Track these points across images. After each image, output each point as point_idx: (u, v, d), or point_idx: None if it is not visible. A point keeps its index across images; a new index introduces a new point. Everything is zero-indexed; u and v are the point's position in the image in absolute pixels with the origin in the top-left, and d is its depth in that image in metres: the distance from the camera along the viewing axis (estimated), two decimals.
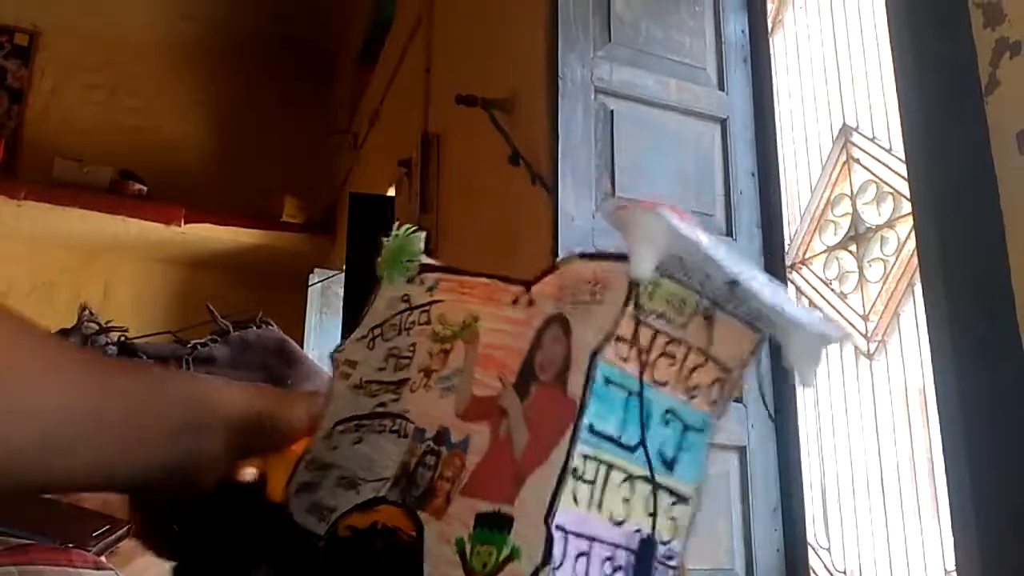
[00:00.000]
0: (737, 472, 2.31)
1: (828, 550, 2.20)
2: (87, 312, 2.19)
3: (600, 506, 0.60)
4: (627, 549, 0.61)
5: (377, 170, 4.51)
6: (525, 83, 2.66)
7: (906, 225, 2.09)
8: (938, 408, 1.70)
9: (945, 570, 1.80)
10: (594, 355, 0.60)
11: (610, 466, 0.61)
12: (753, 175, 2.58)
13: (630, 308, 0.61)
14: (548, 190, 2.38)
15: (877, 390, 2.10)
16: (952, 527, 1.64)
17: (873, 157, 2.24)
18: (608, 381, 0.61)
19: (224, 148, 5.86)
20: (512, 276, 0.72)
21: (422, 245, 0.81)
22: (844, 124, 2.35)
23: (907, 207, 2.06)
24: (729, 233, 2.50)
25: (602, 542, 0.60)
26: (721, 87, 2.62)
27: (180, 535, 0.79)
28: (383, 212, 3.97)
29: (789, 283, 2.45)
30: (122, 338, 2.08)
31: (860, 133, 2.30)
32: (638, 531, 0.61)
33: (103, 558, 1.16)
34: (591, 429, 0.60)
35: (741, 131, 2.61)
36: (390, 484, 0.71)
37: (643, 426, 0.62)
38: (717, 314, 0.64)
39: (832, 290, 2.31)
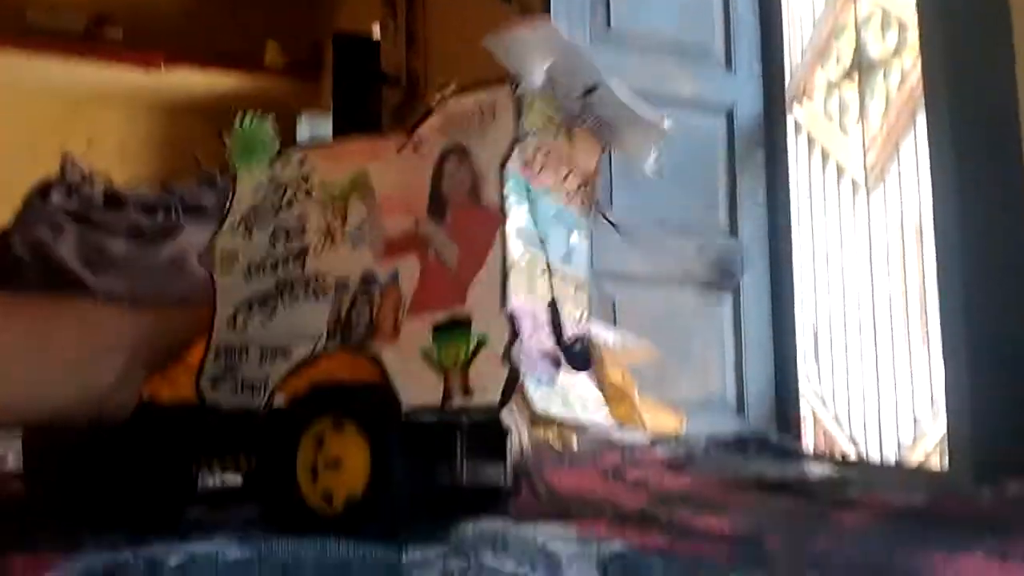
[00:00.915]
0: (730, 306, 2.34)
1: (818, 378, 2.26)
2: (71, 163, 2.15)
3: (531, 290, 0.74)
4: (537, 320, 0.75)
5: (362, 7, 4.33)
6: None
7: (910, 55, 2.02)
8: (935, 245, 1.70)
9: (932, 397, 1.85)
10: (502, 165, 0.72)
11: (531, 259, 0.74)
12: (753, 2, 2.48)
13: (521, 120, 0.73)
14: None
15: (873, 224, 2.10)
16: (943, 356, 1.68)
17: None
18: (513, 188, 0.73)
19: None
20: (382, 132, 0.80)
21: (272, 130, 0.87)
22: None
23: (912, 37, 1.99)
24: (728, 65, 2.42)
25: (540, 319, 0.74)
26: None
27: (110, 466, 0.83)
28: (370, 53, 3.83)
29: (789, 116, 2.40)
30: (107, 188, 2.04)
31: None
32: (547, 301, 0.77)
33: None
34: (516, 229, 0.73)
35: None
36: (325, 338, 0.77)
37: (537, 223, 0.75)
38: (575, 127, 0.78)
39: (832, 123, 2.27)
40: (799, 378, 2.31)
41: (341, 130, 4.10)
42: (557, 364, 0.76)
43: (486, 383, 0.70)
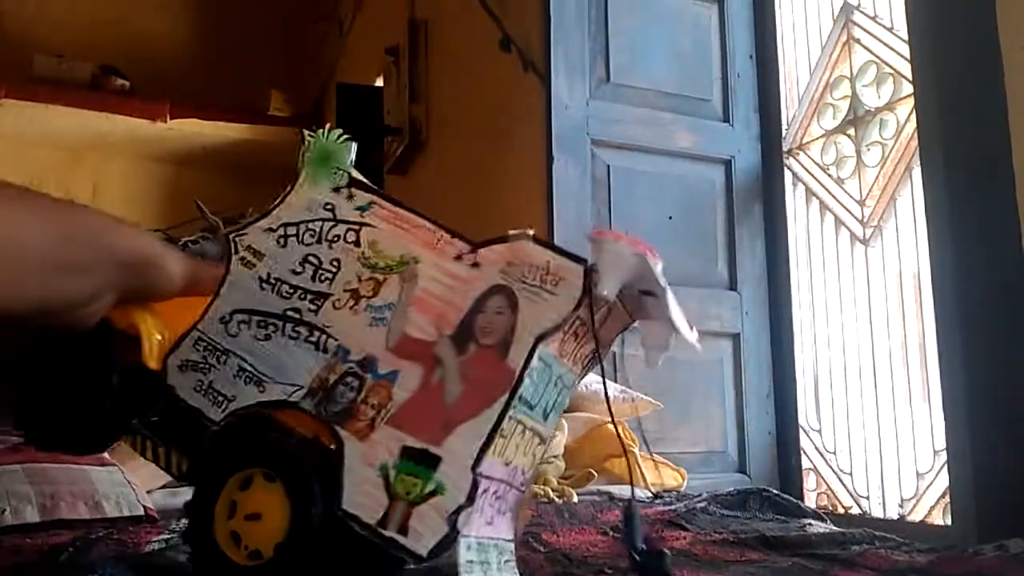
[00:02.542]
0: (730, 359, 2.34)
1: (819, 432, 2.25)
2: None
3: (501, 453, 0.71)
4: (507, 483, 0.73)
5: (364, 59, 4.40)
6: None
7: (906, 107, 2.04)
8: (933, 291, 1.70)
9: (934, 451, 1.84)
10: (539, 339, 0.71)
11: (518, 422, 0.71)
12: (751, 57, 2.51)
13: (579, 311, 0.71)
14: (540, 77, 2.32)
15: (872, 276, 2.10)
16: (944, 410, 1.67)
17: (874, 37, 2.18)
18: (540, 360, 0.71)
19: (207, 40, 5.69)
20: (456, 231, 0.77)
21: (353, 157, 0.83)
22: (845, 2, 2.27)
23: (907, 89, 2.02)
24: (726, 118, 2.45)
25: (495, 479, 0.71)
26: None
27: (36, 383, 0.79)
28: (372, 103, 3.88)
29: (786, 169, 2.42)
30: None
31: (862, 12, 2.22)
32: (518, 468, 0.74)
33: (106, 454, 1.17)
34: (519, 396, 0.70)
35: (739, 11, 2.53)
36: (304, 393, 0.74)
37: (539, 388, 0.73)
38: (616, 305, 0.76)
39: (829, 175, 2.29)
40: (800, 432, 2.30)
41: None
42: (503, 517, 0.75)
43: (422, 532, 0.69)
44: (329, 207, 0.81)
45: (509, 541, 0.75)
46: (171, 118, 5.09)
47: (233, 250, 0.81)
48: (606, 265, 0.73)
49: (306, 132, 0.83)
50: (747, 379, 2.33)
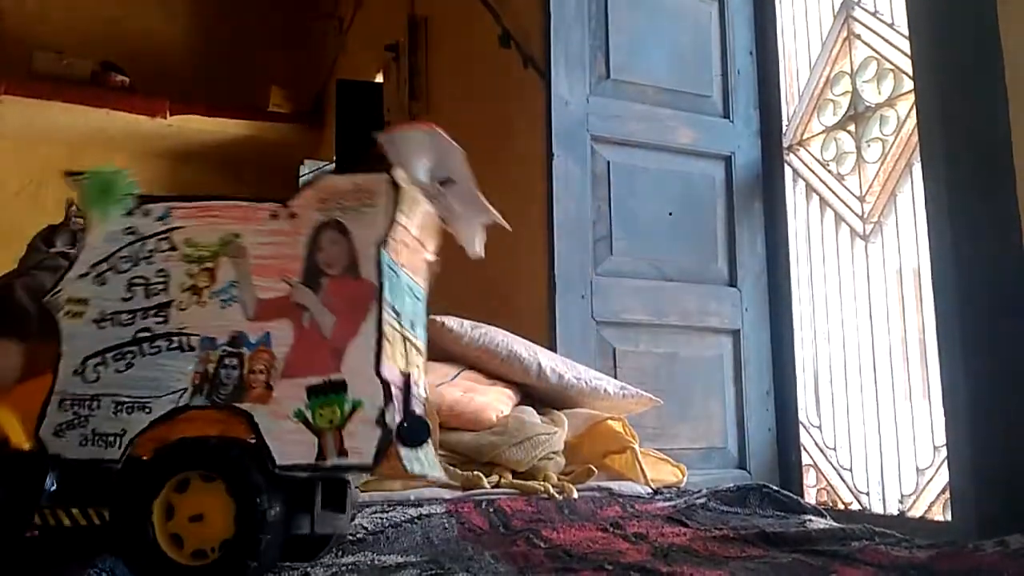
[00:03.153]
0: (731, 355, 2.34)
1: (819, 428, 2.25)
2: (74, 208, 2.16)
3: (392, 358, 0.80)
4: (400, 388, 0.80)
5: (364, 56, 4.39)
6: None
7: (906, 103, 2.04)
8: (933, 287, 1.70)
9: (934, 446, 1.84)
10: (379, 246, 0.80)
11: (394, 329, 0.81)
12: (751, 53, 2.51)
13: (397, 208, 0.81)
14: (540, 73, 2.31)
15: (872, 272, 2.10)
16: (943, 406, 1.67)
17: (875, 32, 2.17)
18: (386, 266, 0.80)
19: (207, 36, 5.68)
20: (258, 197, 0.85)
21: (129, 180, 0.88)
22: None
23: (908, 85, 2.01)
24: (726, 114, 2.45)
25: (396, 385, 0.79)
26: None
27: None
28: (373, 100, 3.88)
29: (787, 165, 2.42)
30: None
31: (862, 7, 2.22)
32: (411, 376, 0.82)
33: None
34: (385, 302, 0.79)
35: (740, 6, 2.52)
36: (191, 393, 0.80)
37: (397, 297, 0.82)
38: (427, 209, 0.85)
39: (829, 171, 2.28)
40: (800, 428, 2.30)
41: (344, 174, 4.13)
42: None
43: (360, 444, 0.76)
44: (130, 230, 0.86)
45: (427, 442, 0.83)
46: (171, 114, 5.09)
47: (55, 312, 0.85)
48: (405, 154, 0.82)
49: (73, 178, 0.89)
50: (747, 375, 2.33)
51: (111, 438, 0.79)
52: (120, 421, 0.80)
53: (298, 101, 5.51)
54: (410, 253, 0.86)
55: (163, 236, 0.85)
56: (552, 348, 1.95)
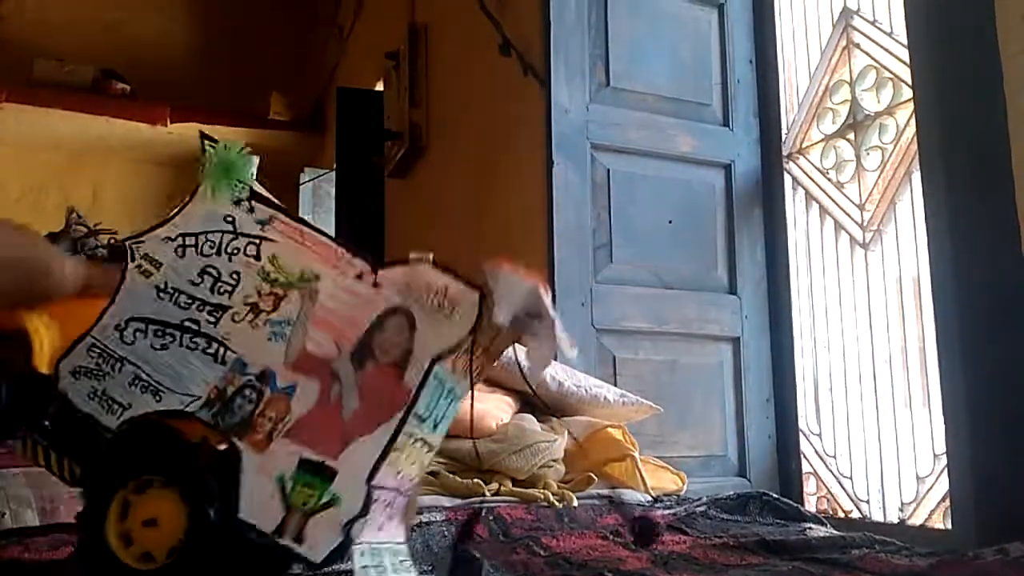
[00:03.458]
0: (730, 363, 2.34)
1: (819, 436, 2.25)
2: (75, 215, 2.17)
3: (394, 464, 0.76)
4: (397, 491, 0.78)
5: (365, 63, 4.40)
6: None
7: (905, 112, 2.05)
8: (933, 295, 1.70)
9: (934, 454, 1.84)
10: (436, 360, 0.77)
11: (410, 436, 0.77)
12: (751, 62, 2.52)
13: (471, 334, 0.78)
14: (540, 81, 2.32)
15: (872, 280, 2.10)
16: (944, 414, 1.67)
17: (874, 41, 2.18)
18: (435, 378, 0.78)
19: (207, 44, 5.69)
20: (354, 248, 0.82)
21: (254, 171, 0.86)
22: (845, 7, 2.28)
23: (907, 93, 2.02)
24: (725, 123, 2.46)
25: (387, 489, 0.76)
26: None
27: None
28: (373, 107, 3.88)
29: (786, 173, 2.42)
30: (111, 240, 2.07)
31: (861, 16, 2.22)
32: (407, 477, 0.80)
33: None
34: (415, 414, 0.76)
35: (739, 15, 2.53)
36: (201, 403, 0.78)
37: (432, 403, 0.79)
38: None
39: (829, 179, 2.29)
40: (800, 436, 2.30)
41: (345, 182, 4.14)
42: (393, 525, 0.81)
43: (318, 540, 0.74)
44: (229, 219, 0.84)
45: (401, 543, 0.81)
46: (171, 122, 5.09)
47: (130, 257, 0.83)
48: (501, 293, 0.79)
49: (206, 143, 0.85)
50: (747, 383, 2.33)
51: (115, 406, 0.78)
52: (131, 394, 0.79)
53: (298, 109, 5.52)
54: (469, 358, 0.83)
55: (254, 241, 0.83)
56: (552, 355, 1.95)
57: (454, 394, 0.84)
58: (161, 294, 0.81)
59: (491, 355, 0.86)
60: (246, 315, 0.80)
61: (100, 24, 5.44)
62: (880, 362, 2.04)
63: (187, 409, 0.78)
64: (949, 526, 1.76)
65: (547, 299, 0.82)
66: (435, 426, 0.83)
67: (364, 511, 0.74)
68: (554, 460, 1.46)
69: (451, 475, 1.37)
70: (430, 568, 0.96)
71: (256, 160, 0.86)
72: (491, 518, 1.21)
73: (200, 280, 0.82)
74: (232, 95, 5.36)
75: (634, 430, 1.61)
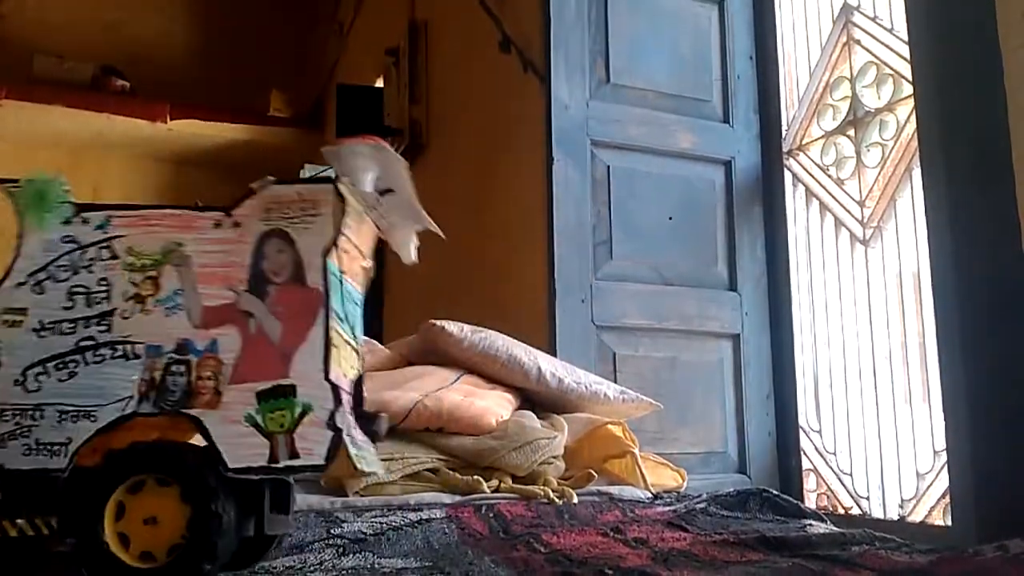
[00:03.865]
0: (731, 359, 2.34)
1: (819, 432, 2.25)
2: None
3: (339, 364, 0.82)
4: (348, 392, 0.84)
5: (364, 60, 4.40)
6: None
7: (906, 108, 2.04)
8: (933, 292, 1.70)
9: (934, 451, 1.84)
10: (325, 255, 0.83)
11: (340, 335, 0.83)
12: (751, 58, 2.52)
13: (343, 218, 0.84)
14: (540, 78, 2.32)
15: (872, 276, 2.10)
16: (944, 410, 1.67)
17: (874, 38, 2.18)
18: (331, 273, 0.83)
19: (207, 41, 5.69)
20: (200, 205, 0.87)
21: (65, 188, 0.88)
22: (845, 3, 2.27)
23: (907, 89, 2.02)
24: (726, 119, 2.45)
25: (343, 390, 0.82)
26: None
27: None
28: (373, 104, 3.88)
29: (786, 170, 2.42)
30: None
31: (861, 13, 2.22)
32: (351, 381, 0.86)
33: None
34: (332, 309, 0.82)
35: (739, 11, 2.53)
36: (137, 400, 0.81)
37: (343, 303, 0.85)
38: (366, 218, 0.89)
39: (829, 176, 2.29)
40: (800, 433, 2.30)
41: None
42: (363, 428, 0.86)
43: (311, 446, 0.79)
44: (69, 238, 0.86)
45: (368, 442, 0.86)
46: (171, 119, 5.09)
47: None
48: (350, 165, 0.85)
49: (5, 186, 0.88)
50: (747, 380, 2.33)
51: (56, 447, 0.80)
52: (65, 430, 0.80)
53: (298, 105, 5.52)
54: (350, 260, 0.89)
55: (104, 244, 0.86)
56: (552, 352, 1.95)
57: (352, 297, 0.89)
58: (41, 333, 0.85)
59: (365, 241, 0.92)
60: (134, 308, 0.84)
61: (100, 21, 5.44)
62: (880, 358, 2.04)
63: (127, 411, 0.80)
64: (949, 523, 1.77)
65: (396, 161, 0.87)
66: (353, 329, 0.88)
67: (338, 402, 0.79)
68: (554, 457, 1.46)
69: (451, 472, 1.37)
70: (431, 564, 0.96)
71: (63, 178, 0.89)
72: (491, 515, 1.21)
73: (72, 302, 0.85)
74: (232, 92, 5.35)
75: (634, 427, 1.61)
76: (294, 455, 0.78)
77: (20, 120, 4.98)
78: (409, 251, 0.93)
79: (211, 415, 0.80)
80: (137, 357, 0.82)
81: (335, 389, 0.80)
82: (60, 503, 0.79)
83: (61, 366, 0.82)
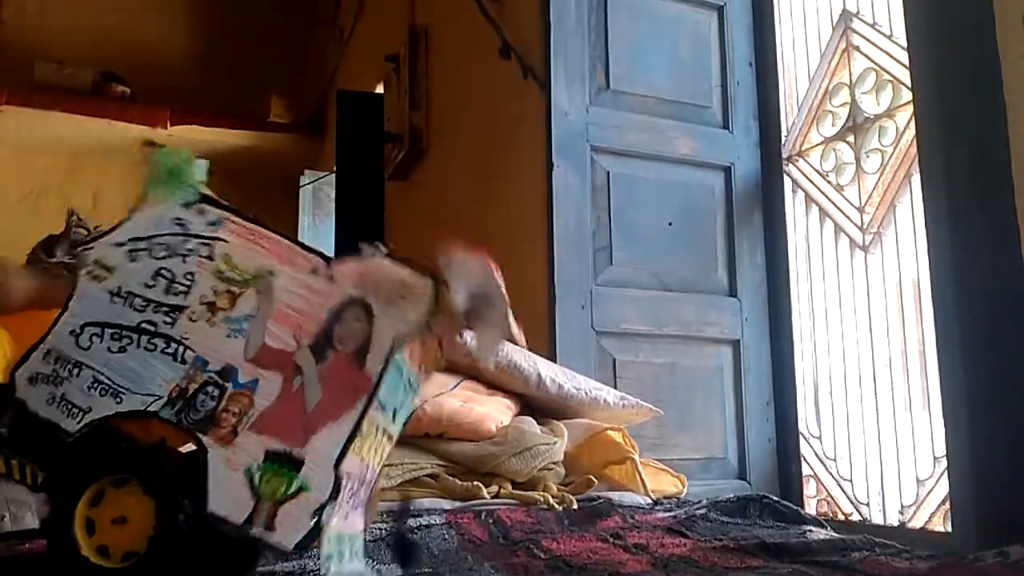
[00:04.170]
0: (730, 365, 2.34)
1: (819, 439, 2.25)
2: (75, 218, 2.17)
3: (358, 452, 0.79)
4: (361, 480, 0.81)
5: (365, 66, 4.41)
6: None
7: (905, 114, 2.05)
8: (933, 298, 1.70)
9: (934, 457, 1.84)
10: (395, 346, 0.80)
11: (373, 424, 0.80)
12: (750, 64, 2.52)
13: (429, 318, 0.80)
14: (540, 84, 2.32)
15: (872, 282, 2.10)
16: (943, 416, 1.67)
17: (873, 44, 2.18)
18: (395, 365, 0.80)
19: (207, 47, 5.70)
20: (308, 245, 0.84)
21: (204, 175, 0.87)
22: (844, 10, 2.28)
23: (907, 96, 2.02)
24: (725, 125, 2.46)
25: (352, 476, 0.79)
26: None
27: None
28: (373, 110, 3.89)
29: (786, 175, 2.42)
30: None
31: (860, 19, 2.23)
32: (370, 466, 0.82)
33: None
34: (377, 400, 0.79)
35: (739, 18, 2.53)
36: (163, 403, 0.79)
37: (392, 391, 0.82)
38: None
39: (828, 182, 2.29)
40: (800, 439, 2.30)
41: (345, 185, 4.14)
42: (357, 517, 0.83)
43: (288, 528, 0.75)
44: (179, 222, 0.86)
45: (359, 533, 0.84)
46: (171, 124, 5.10)
47: (80, 264, 0.84)
48: (454, 277, 0.83)
49: (147, 148, 0.87)
50: (747, 385, 2.33)
51: (75, 410, 0.79)
52: (91, 398, 0.80)
53: (299, 111, 5.53)
54: (426, 352, 0.86)
55: (206, 242, 0.85)
56: (552, 358, 1.95)
57: (411, 385, 0.86)
58: (115, 298, 0.83)
59: (447, 343, 0.90)
60: (203, 314, 0.82)
61: (100, 27, 5.45)
62: (880, 365, 2.04)
63: (150, 409, 0.79)
64: (949, 529, 1.76)
65: (499, 282, 0.85)
66: (394, 415, 0.86)
67: (334, 496, 0.76)
68: (554, 463, 1.46)
69: (451, 478, 1.37)
70: (430, 570, 0.96)
71: (204, 164, 0.88)
72: (491, 521, 1.21)
73: (154, 283, 0.83)
74: (232, 98, 5.36)
75: (634, 433, 1.61)
76: (270, 528, 0.76)
77: (21, 126, 4.99)
78: (487, 358, 0.94)
79: (218, 451, 0.78)
80: (184, 362, 0.81)
81: (337, 484, 0.76)
82: (55, 464, 0.79)
83: (116, 337, 0.81)
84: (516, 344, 0.92)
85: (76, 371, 0.80)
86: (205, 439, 0.78)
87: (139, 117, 5.07)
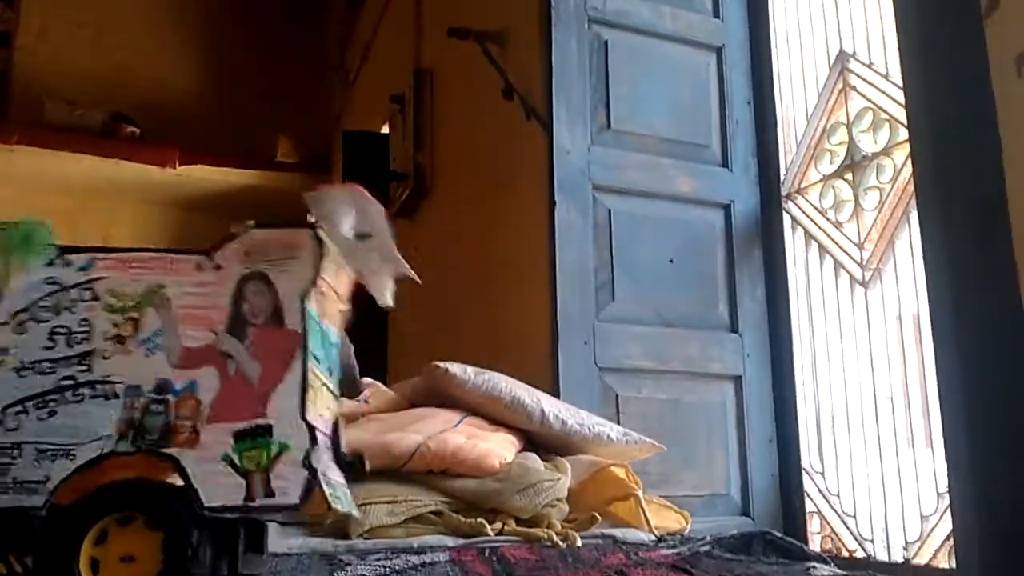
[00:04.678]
0: (733, 401, 2.34)
1: (822, 474, 2.25)
2: None
3: (315, 404, 0.84)
4: (325, 434, 0.86)
5: (370, 107, 4.47)
6: (518, 15, 2.61)
7: (902, 152, 2.07)
8: (932, 336, 1.71)
9: (938, 493, 1.84)
10: (303, 298, 0.85)
11: (315, 376, 0.85)
12: (749, 104, 2.56)
13: (321, 262, 0.86)
14: (543, 125, 2.36)
15: (872, 318, 2.12)
16: (945, 453, 1.67)
17: (870, 84, 2.22)
18: (309, 316, 0.85)
19: (215, 88, 5.78)
20: (181, 248, 0.89)
21: (50, 232, 0.91)
22: (841, 50, 2.32)
23: (904, 134, 2.05)
24: (725, 163, 2.49)
25: (319, 430, 0.83)
26: (716, 14, 2.58)
27: None
28: (378, 150, 3.94)
29: (785, 213, 2.45)
30: None
31: (857, 59, 2.27)
32: (328, 422, 0.87)
33: None
34: (309, 350, 0.84)
35: (737, 59, 2.58)
36: (116, 439, 0.82)
37: (321, 346, 0.87)
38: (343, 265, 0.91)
39: (828, 219, 2.31)
40: (803, 475, 2.30)
41: None
42: (340, 469, 0.88)
43: (287, 485, 0.79)
44: (52, 280, 0.89)
45: (343, 484, 0.88)
46: (180, 164, 5.16)
47: None
48: (329, 211, 0.88)
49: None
50: (749, 421, 2.33)
51: (34, 485, 0.80)
52: (43, 468, 0.81)
53: (305, 151, 5.58)
54: (328, 303, 0.90)
55: (86, 286, 0.88)
56: (555, 394, 1.96)
57: (330, 339, 0.91)
58: (22, 372, 0.85)
59: (340, 294, 0.94)
60: (114, 348, 0.85)
61: (111, 68, 5.53)
62: (882, 400, 2.05)
63: (105, 450, 0.81)
64: (954, 565, 1.76)
65: (378, 211, 0.89)
66: (330, 371, 0.90)
67: (313, 442, 0.80)
68: (558, 499, 1.46)
69: (454, 514, 1.37)
70: None
71: (48, 223, 0.91)
72: (495, 558, 1.21)
73: (53, 343, 0.86)
74: (240, 138, 5.43)
75: (638, 469, 1.61)
76: (270, 494, 0.79)
77: (31, 165, 5.05)
78: (385, 296, 0.95)
79: (188, 454, 0.81)
80: (116, 397, 0.83)
81: (311, 429, 0.81)
82: (37, 542, 0.80)
83: (41, 405, 0.83)
84: (405, 271, 0.95)
85: (17, 452, 0.82)
86: (171, 450, 0.81)
87: (148, 157, 5.13)
